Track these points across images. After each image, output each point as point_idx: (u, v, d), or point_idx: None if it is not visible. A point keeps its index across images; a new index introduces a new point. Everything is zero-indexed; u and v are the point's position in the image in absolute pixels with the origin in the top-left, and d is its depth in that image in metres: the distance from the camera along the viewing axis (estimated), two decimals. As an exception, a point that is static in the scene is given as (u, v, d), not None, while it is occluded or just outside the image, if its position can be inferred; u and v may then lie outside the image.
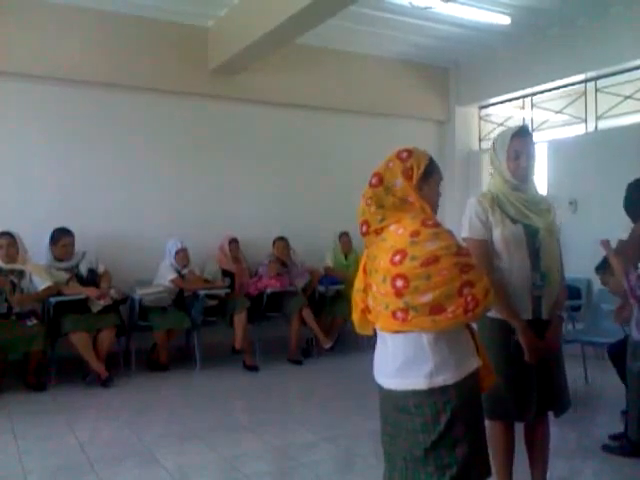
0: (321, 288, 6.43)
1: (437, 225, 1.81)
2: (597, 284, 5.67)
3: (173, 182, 6.25)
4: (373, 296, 1.87)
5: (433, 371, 1.77)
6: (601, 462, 3.46)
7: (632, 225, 2.98)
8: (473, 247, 2.39)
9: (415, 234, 1.76)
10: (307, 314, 6.09)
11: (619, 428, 3.66)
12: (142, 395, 4.88)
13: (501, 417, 2.51)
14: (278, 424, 4.14)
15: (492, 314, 2.38)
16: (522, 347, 2.41)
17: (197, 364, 5.67)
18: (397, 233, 1.81)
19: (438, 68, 7.74)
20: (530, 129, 2.61)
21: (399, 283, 1.73)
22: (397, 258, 1.75)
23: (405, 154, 1.90)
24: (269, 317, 6.15)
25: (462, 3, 5.60)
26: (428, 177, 1.91)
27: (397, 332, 1.81)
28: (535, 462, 2.64)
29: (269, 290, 6.00)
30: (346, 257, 6.67)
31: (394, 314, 1.77)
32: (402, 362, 1.83)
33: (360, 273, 1.97)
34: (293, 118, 6.89)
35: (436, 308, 1.71)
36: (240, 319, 5.72)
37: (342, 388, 5.12)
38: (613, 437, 3.63)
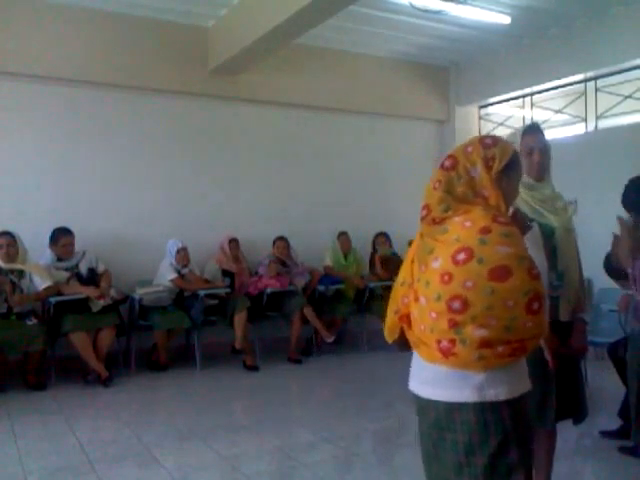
0: (321, 288, 6.43)
1: (509, 224, 1.61)
2: (598, 284, 5.67)
3: (173, 182, 6.24)
4: (420, 309, 1.63)
5: (484, 383, 1.57)
6: (601, 462, 3.46)
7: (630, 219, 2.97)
8: None
9: (485, 231, 1.55)
10: (309, 311, 6.09)
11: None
12: (142, 395, 4.89)
13: None
14: (278, 424, 4.13)
15: None
16: (543, 351, 2.32)
17: (197, 364, 5.67)
18: (464, 225, 1.59)
19: (438, 68, 7.74)
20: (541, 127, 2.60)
21: (456, 305, 1.52)
22: (461, 257, 1.53)
23: (489, 140, 1.71)
24: (269, 317, 6.15)
25: (462, 3, 5.60)
26: (510, 171, 1.71)
27: (437, 364, 1.60)
28: (539, 465, 2.62)
29: (269, 290, 6.00)
30: (345, 257, 6.66)
31: (439, 342, 1.57)
32: (445, 368, 1.60)
33: (407, 264, 1.74)
34: (293, 118, 6.89)
35: (486, 343, 1.54)
36: (240, 319, 5.72)
37: (342, 388, 5.12)
38: (604, 433, 3.68)
